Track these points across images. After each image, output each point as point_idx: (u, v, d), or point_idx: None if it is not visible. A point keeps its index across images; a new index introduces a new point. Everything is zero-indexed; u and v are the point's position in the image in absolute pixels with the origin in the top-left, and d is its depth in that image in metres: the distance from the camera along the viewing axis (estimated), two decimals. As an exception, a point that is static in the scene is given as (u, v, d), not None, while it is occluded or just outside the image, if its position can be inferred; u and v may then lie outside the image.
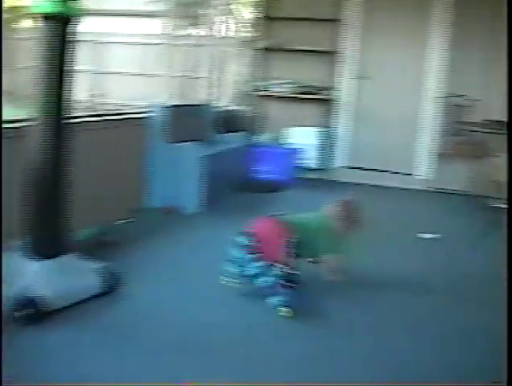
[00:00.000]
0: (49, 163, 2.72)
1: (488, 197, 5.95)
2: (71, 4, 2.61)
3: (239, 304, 3.00)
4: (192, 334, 2.63)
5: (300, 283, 2.94)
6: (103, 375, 2.21)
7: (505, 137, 5.88)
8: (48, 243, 2.77)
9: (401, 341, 2.74)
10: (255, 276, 2.93)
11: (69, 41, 2.68)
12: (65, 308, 2.68)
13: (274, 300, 2.89)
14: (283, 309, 2.86)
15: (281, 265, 2.88)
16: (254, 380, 2.25)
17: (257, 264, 2.91)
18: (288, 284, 2.88)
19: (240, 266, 3.00)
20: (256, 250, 2.94)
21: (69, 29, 2.66)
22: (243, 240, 2.99)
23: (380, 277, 3.59)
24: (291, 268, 2.91)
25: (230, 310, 2.94)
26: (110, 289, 2.94)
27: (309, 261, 3.29)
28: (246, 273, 2.98)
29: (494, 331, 2.76)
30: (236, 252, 3.01)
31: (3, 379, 2.01)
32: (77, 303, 2.75)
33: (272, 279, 2.88)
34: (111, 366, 2.29)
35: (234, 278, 3.07)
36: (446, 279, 3.69)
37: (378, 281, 3.52)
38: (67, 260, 2.83)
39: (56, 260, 2.77)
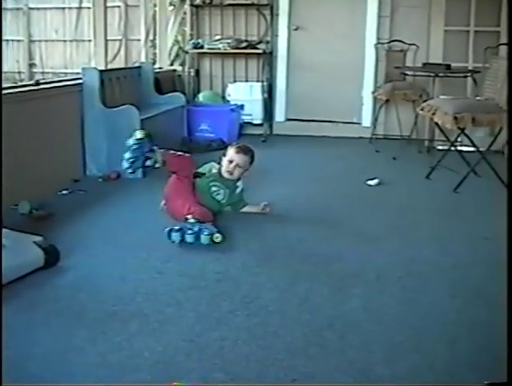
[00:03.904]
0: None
1: (432, 140, 6.00)
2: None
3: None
4: (140, 304, 2.57)
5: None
6: (50, 351, 2.15)
7: (444, 79, 5.93)
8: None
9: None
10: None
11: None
12: (7, 284, 2.59)
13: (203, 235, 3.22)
14: (215, 235, 3.22)
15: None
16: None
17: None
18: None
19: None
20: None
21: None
22: None
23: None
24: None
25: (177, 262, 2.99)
26: (51, 262, 2.85)
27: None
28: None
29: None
30: None
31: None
32: (19, 278, 2.67)
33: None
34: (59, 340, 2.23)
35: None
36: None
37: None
38: (6, 235, 2.73)
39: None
